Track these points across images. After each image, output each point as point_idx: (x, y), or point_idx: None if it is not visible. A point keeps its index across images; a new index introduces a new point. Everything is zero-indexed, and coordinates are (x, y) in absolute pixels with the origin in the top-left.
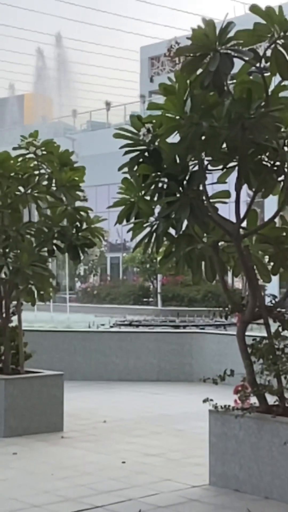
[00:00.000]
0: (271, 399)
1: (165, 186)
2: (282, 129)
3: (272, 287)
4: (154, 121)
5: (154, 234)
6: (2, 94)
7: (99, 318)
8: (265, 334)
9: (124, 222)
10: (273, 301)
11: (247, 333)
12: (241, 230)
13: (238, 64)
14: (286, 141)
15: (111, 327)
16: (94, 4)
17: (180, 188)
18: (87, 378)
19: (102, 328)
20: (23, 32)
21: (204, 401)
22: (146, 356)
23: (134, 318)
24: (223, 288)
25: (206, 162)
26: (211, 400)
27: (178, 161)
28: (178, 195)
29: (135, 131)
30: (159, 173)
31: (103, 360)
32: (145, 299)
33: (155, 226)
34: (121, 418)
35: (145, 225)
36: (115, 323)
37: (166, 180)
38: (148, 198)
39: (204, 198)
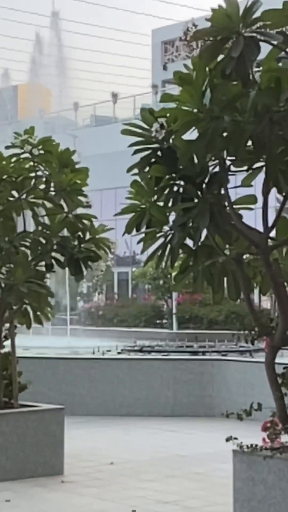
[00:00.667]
0: None
1: (181, 190)
2: None
3: None
4: (168, 115)
5: (169, 246)
6: None
7: (105, 343)
8: None
9: (134, 232)
10: None
11: (277, 360)
12: (269, 240)
13: (265, 49)
14: None
15: (119, 353)
16: None
17: (199, 193)
18: (91, 413)
19: (108, 355)
20: (17, 13)
21: (227, 439)
22: (159, 387)
23: (146, 343)
24: (248, 308)
25: (228, 162)
26: (235, 438)
27: (196, 161)
28: (196, 200)
29: (146, 126)
30: (174, 175)
31: (110, 391)
32: (158, 321)
33: (170, 237)
34: (131, 459)
35: (158, 235)
36: (123, 349)
37: (182, 183)
38: (161, 204)
39: (226, 203)
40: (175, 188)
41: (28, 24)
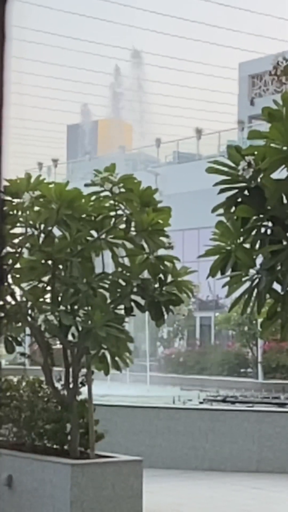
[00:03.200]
0: None
1: (268, 231)
2: None
3: None
4: (256, 152)
5: (255, 290)
6: (73, 120)
7: (186, 392)
8: None
9: (219, 275)
10: None
11: None
12: None
13: None
14: None
15: (201, 403)
16: (181, 13)
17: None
18: (171, 466)
19: (189, 405)
20: (98, 46)
21: None
22: (243, 440)
23: (229, 393)
24: None
25: None
26: None
27: (285, 201)
28: (284, 242)
29: (232, 164)
30: (261, 216)
31: (190, 444)
32: (242, 370)
33: (257, 281)
34: None
35: (244, 279)
36: (205, 399)
37: (270, 224)
38: (248, 246)
39: None
40: (263, 230)
41: (108, 58)
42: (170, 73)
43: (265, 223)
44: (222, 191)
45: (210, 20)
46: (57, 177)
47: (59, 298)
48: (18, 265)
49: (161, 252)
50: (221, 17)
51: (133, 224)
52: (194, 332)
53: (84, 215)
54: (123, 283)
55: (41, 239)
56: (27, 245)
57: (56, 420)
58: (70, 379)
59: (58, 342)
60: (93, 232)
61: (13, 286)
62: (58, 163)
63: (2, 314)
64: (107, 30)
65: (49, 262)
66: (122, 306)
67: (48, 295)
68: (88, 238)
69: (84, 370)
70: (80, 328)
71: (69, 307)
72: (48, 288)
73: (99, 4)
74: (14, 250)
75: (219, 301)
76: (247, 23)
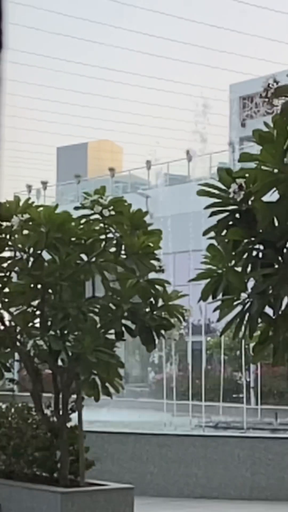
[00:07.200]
0: None
1: (260, 255)
2: None
3: None
4: (247, 175)
5: (247, 314)
6: (63, 142)
7: (178, 418)
8: None
9: (210, 299)
10: None
11: None
12: None
13: None
14: None
15: (193, 429)
16: (170, 35)
17: (279, 258)
18: (163, 494)
19: (181, 431)
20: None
21: None
22: (236, 467)
23: (221, 418)
24: None
25: None
26: None
27: (276, 224)
28: (276, 266)
29: (223, 187)
30: (253, 239)
31: (182, 471)
32: (234, 395)
33: (248, 305)
34: None
35: (235, 303)
36: (197, 425)
37: (261, 247)
38: (239, 269)
39: None
40: (254, 253)
41: (96, 79)
42: (163, 94)
43: (256, 246)
44: (213, 214)
45: (200, 42)
46: (47, 199)
47: (49, 323)
48: (6, 289)
49: (152, 275)
50: (211, 38)
51: (123, 247)
52: (186, 356)
53: (73, 239)
54: (114, 307)
55: (30, 263)
56: (16, 269)
57: (46, 447)
58: (60, 406)
59: (47, 367)
60: (83, 256)
61: (1, 311)
62: (48, 186)
63: None
64: (93, 50)
65: (39, 286)
66: (112, 331)
67: (37, 320)
68: (78, 261)
69: (74, 397)
70: (70, 353)
71: (58, 332)
72: (38, 312)
73: (85, 24)
74: (3, 274)
75: (210, 325)
76: (238, 44)
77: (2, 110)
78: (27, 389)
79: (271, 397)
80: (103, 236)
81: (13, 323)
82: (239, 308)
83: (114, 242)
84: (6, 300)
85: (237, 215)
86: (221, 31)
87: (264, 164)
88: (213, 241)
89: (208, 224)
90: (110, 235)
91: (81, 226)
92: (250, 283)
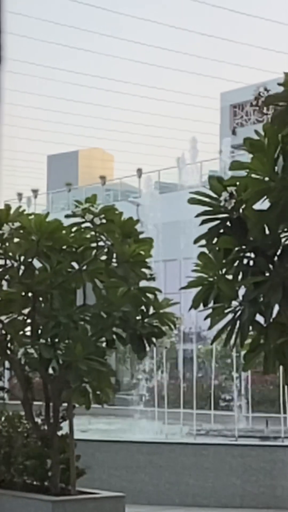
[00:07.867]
0: None
1: (251, 262)
2: None
3: None
4: (237, 183)
5: (238, 322)
6: (53, 150)
7: (169, 426)
8: None
9: (201, 307)
10: None
11: None
12: None
13: None
14: None
15: (184, 437)
16: (162, 44)
17: (270, 266)
18: (154, 502)
19: (172, 439)
20: (78, 76)
21: None
22: (227, 475)
23: (212, 426)
24: None
25: None
26: None
27: (267, 232)
28: (267, 274)
29: (214, 195)
30: (244, 247)
31: (173, 479)
32: (225, 403)
33: (239, 312)
34: None
35: (226, 311)
36: (188, 433)
37: (252, 255)
38: (230, 277)
39: None
40: (245, 261)
41: (88, 87)
42: (153, 103)
43: (247, 254)
44: (204, 222)
45: (192, 50)
46: (37, 207)
47: (39, 331)
48: None
49: (143, 283)
50: (202, 47)
51: (114, 255)
52: (177, 364)
53: (64, 247)
54: (105, 316)
55: (21, 271)
56: (7, 277)
57: (36, 455)
58: (51, 414)
59: (38, 375)
60: (74, 264)
61: None
62: (38, 194)
63: None
64: (86, 59)
65: (29, 294)
66: (103, 339)
67: (28, 328)
68: (69, 269)
69: (65, 405)
70: (60, 362)
71: (49, 340)
72: (28, 320)
73: (78, 33)
74: None
75: (201, 333)
76: (229, 53)
77: (1, 120)
78: (18, 397)
79: (262, 404)
80: (94, 244)
81: (3, 331)
82: (230, 316)
83: (105, 250)
84: None
85: (228, 223)
86: (212, 40)
87: (255, 172)
88: (204, 249)
89: (199, 233)
90: (101, 243)
91: (72, 234)
92: (241, 291)
